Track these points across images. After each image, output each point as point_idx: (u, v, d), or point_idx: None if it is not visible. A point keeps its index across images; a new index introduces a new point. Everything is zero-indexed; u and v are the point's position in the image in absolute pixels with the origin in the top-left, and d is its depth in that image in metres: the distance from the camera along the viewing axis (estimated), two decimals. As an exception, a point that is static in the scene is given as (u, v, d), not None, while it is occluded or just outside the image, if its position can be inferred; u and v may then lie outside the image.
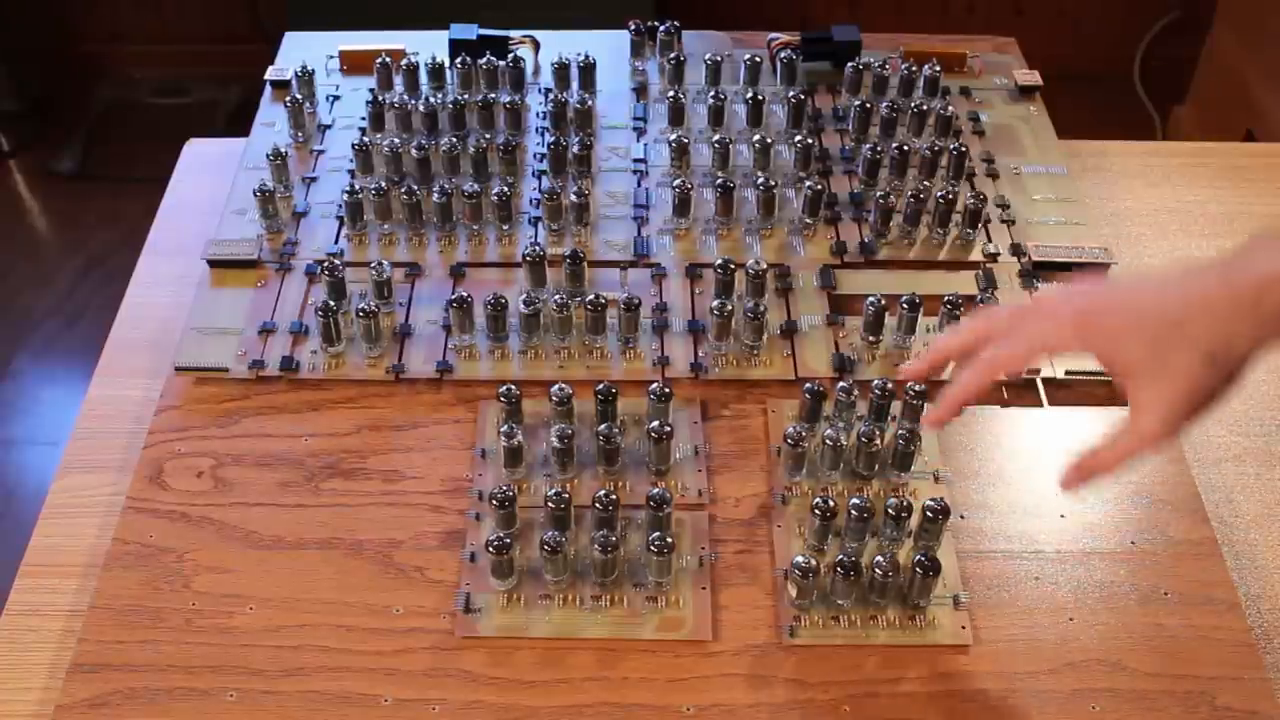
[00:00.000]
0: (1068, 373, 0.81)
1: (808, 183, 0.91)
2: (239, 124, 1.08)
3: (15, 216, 2.23)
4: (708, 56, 1.04)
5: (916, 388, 0.76)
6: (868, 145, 0.95)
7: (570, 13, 1.26)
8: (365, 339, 0.82)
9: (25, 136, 2.35)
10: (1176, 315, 0.58)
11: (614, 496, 0.70)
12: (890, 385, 0.76)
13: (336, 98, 1.04)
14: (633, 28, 1.08)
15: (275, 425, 0.79)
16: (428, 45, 1.05)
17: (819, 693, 0.65)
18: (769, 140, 0.95)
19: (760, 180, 0.90)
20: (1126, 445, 0.60)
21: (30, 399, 1.90)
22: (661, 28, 1.08)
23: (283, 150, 0.94)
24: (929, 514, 0.69)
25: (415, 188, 0.90)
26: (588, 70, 1.03)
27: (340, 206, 0.91)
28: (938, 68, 1.03)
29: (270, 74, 1.06)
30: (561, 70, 1.03)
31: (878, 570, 0.67)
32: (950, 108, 0.99)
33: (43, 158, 2.31)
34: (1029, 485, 0.76)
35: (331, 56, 1.08)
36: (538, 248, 0.85)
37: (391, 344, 0.83)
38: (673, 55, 1.04)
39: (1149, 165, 1.06)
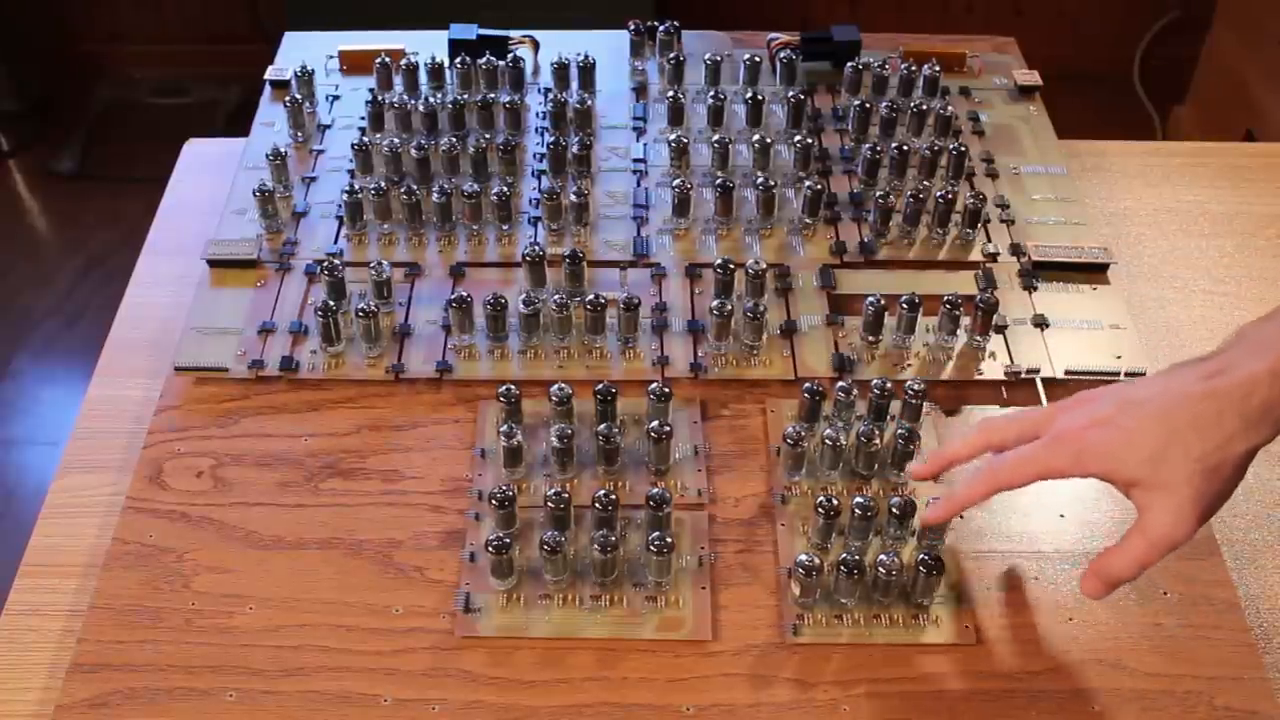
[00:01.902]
0: (1067, 372, 0.81)
1: (807, 183, 0.91)
2: (239, 124, 1.08)
3: (15, 216, 2.23)
4: (707, 56, 1.04)
5: (916, 387, 0.76)
6: (867, 145, 0.95)
7: (570, 13, 1.26)
8: (365, 339, 0.82)
9: (25, 136, 2.36)
10: (1167, 430, 0.59)
11: (614, 496, 0.70)
12: (889, 385, 0.76)
13: (336, 98, 1.04)
14: (632, 28, 1.08)
15: (275, 425, 0.79)
16: (427, 45, 1.05)
17: (819, 693, 0.65)
18: (769, 140, 0.95)
19: (760, 180, 0.90)
20: (1140, 553, 0.61)
21: (30, 399, 1.90)
22: (661, 28, 1.08)
23: (282, 150, 0.94)
24: (930, 513, 0.69)
25: (415, 188, 0.90)
26: (587, 70, 1.03)
27: (340, 206, 0.91)
28: (937, 68, 1.03)
29: (270, 74, 1.06)
30: (561, 70, 1.03)
31: (881, 569, 0.67)
32: (950, 108, 0.99)
33: (43, 158, 2.31)
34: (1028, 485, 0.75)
35: (331, 56, 1.08)
36: (537, 248, 0.85)
37: (391, 344, 0.83)
38: (672, 55, 1.04)
39: (1149, 165, 1.06)
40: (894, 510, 0.70)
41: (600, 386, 0.76)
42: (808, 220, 0.91)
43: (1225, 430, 0.58)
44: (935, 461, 0.71)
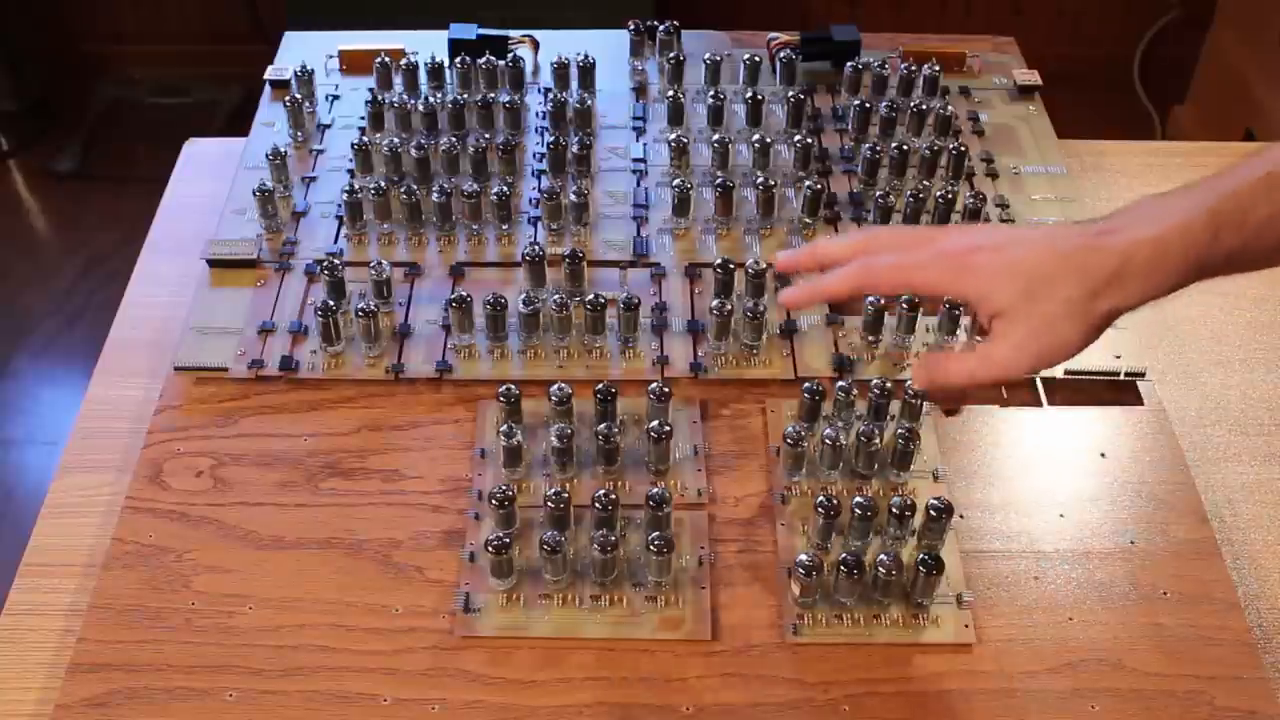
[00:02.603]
0: (1067, 372, 0.81)
1: (807, 182, 0.91)
2: (239, 124, 1.08)
3: (15, 216, 2.23)
4: (707, 56, 1.04)
5: (915, 387, 0.76)
6: (867, 145, 0.95)
7: (570, 13, 1.26)
8: (365, 339, 0.82)
9: (25, 136, 2.36)
10: (1048, 270, 0.61)
11: (613, 496, 0.70)
12: (889, 385, 0.76)
13: (336, 97, 1.04)
14: (632, 27, 1.08)
15: (275, 425, 0.79)
16: (427, 45, 1.05)
17: (818, 692, 0.65)
18: (768, 140, 0.95)
19: (760, 180, 0.90)
20: (971, 367, 0.63)
21: (30, 399, 1.90)
22: (661, 27, 1.08)
23: (282, 150, 0.94)
24: (932, 512, 0.69)
25: (414, 187, 0.90)
26: (587, 70, 1.03)
27: (340, 206, 0.91)
28: (937, 67, 1.03)
29: (270, 74, 1.06)
30: (561, 70, 1.03)
31: (881, 568, 0.67)
32: (949, 107, 0.99)
33: (43, 158, 2.31)
34: (1028, 484, 0.76)
35: (331, 56, 1.08)
36: (537, 247, 0.85)
37: (391, 344, 0.83)
38: (672, 55, 1.04)
39: (1149, 165, 1.05)
40: (894, 510, 0.70)
41: (600, 386, 0.76)
42: (808, 220, 0.91)
43: (1099, 281, 0.60)
44: (808, 254, 0.69)
